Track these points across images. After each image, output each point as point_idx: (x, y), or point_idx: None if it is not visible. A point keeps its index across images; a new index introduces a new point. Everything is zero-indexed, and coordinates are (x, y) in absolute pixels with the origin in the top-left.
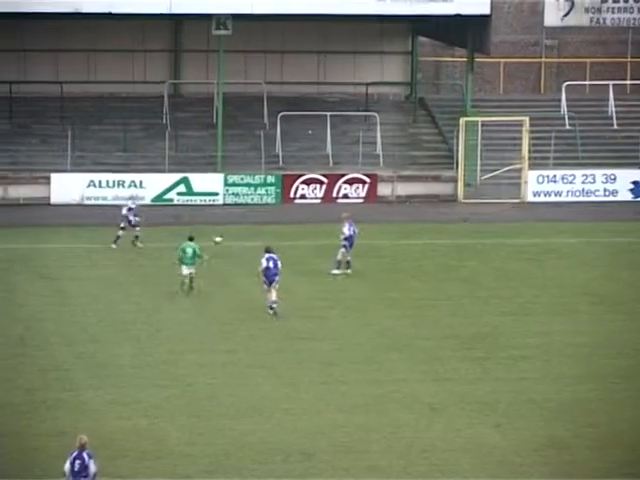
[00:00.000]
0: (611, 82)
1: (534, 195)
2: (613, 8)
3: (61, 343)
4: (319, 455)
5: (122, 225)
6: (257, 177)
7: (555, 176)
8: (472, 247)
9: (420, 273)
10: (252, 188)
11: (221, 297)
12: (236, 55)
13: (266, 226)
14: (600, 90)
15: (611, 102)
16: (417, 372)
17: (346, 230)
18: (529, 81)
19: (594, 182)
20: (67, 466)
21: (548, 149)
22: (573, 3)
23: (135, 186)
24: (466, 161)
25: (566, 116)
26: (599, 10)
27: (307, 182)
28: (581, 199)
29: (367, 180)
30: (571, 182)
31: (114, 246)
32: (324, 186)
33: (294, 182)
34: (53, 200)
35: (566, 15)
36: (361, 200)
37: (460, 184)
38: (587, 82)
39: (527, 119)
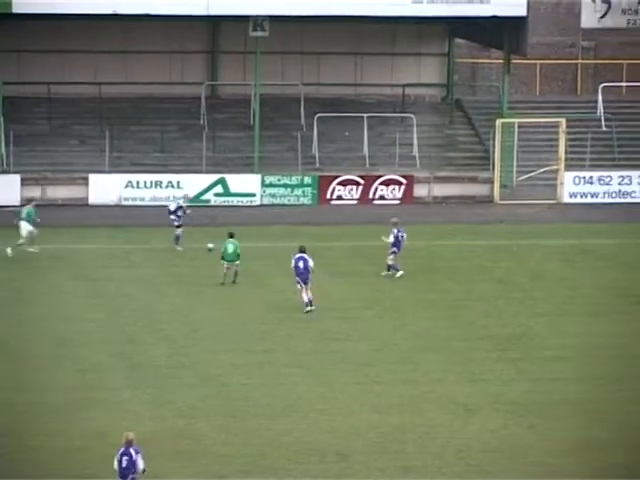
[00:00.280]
0: None
1: (570, 196)
2: None
3: (99, 343)
4: (354, 455)
5: (176, 224)
6: (294, 178)
7: (591, 177)
8: (507, 248)
9: (456, 274)
10: (289, 189)
11: (257, 297)
12: (273, 56)
13: (302, 227)
14: (637, 91)
15: None
16: (452, 373)
17: (391, 237)
18: (565, 82)
19: (630, 183)
20: (116, 463)
21: (584, 150)
22: (610, 4)
23: (172, 187)
24: (502, 162)
25: (602, 117)
26: (636, 12)
27: (343, 183)
28: (617, 200)
29: (403, 181)
30: (607, 183)
31: (180, 248)
32: (360, 187)
33: (331, 183)
34: (91, 201)
35: (603, 16)
36: (397, 201)
37: (496, 185)
38: (624, 83)
39: (563, 120)
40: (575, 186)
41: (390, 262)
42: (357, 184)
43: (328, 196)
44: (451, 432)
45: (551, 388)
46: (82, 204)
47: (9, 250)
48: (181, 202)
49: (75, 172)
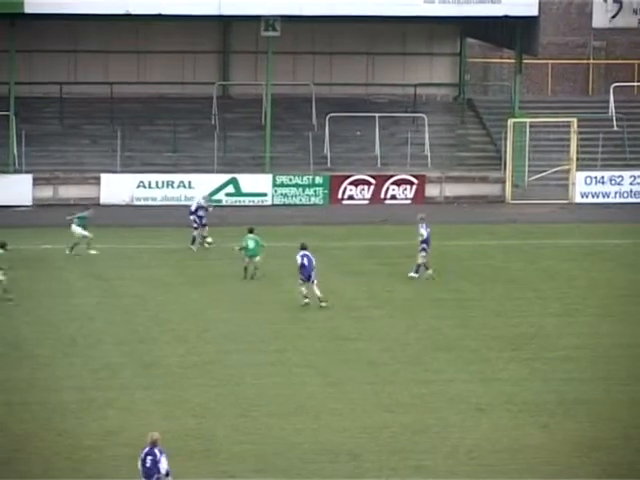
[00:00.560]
0: None
1: (582, 196)
2: None
3: (111, 343)
4: (366, 455)
5: (195, 225)
6: (305, 178)
7: (603, 177)
8: (519, 248)
9: (467, 274)
10: (300, 189)
11: (268, 297)
12: (285, 56)
13: (314, 227)
14: None
15: None
16: (464, 372)
17: (423, 231)
18: (577, 82)
19: None
20: (139, 463)
21: (596, 150)
22: (621, 4)
23: (184, 187)
24: (514, 162)
25: (614, 117)
26: None
27: (355, 183)
28: (629, 200)
29: (415, 181)
30: (619, 183)
31: (194, 248)
32: (372, 187)
33: (342, 183)
34: (103, 200)
35: (614, 16)
36: (409, 201)
37: (508, 185)
38: (635, 83)
39: (575, 120)
40: (586, 186)
41: (420, 260)
42: (368, 184)
43: (339, 196)
44: (463, 432)
45: (563, 388)
46: (94, 204)
47: (67, 251)
48: (202, 202)
49: (87, 172)
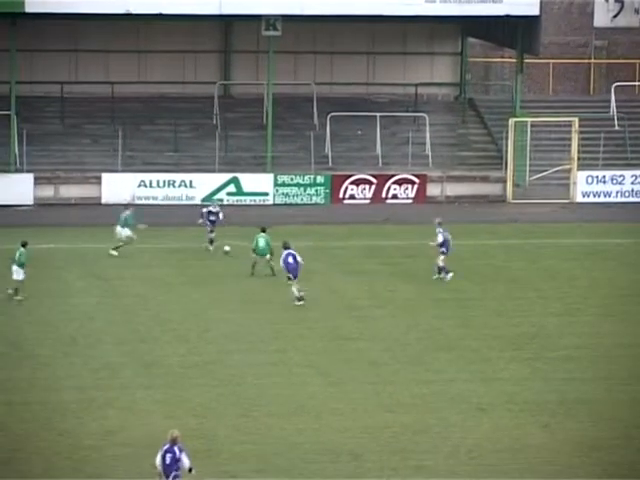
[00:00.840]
0: None
1: (583, 196)
2: None
3: (112, 342)
4: (367, 455)
5: (209, 229)
6: (307, 177)
7: (604, 177)
8: (520, 247)
9: (468, 273)
10: (302, 188)
11: (270, 297)
12: (286, 56)
13: (315, 226)
14: None
15: None
16: (465, 372)
17: (440, 236)
18: (578, 82)
19: None
20: (158, 459)
21: (597, 150)
22: (623, 4)
23: (185, 186)
24: (515, 162)
25: (615, 117)
26: None
27: (356, 182)
28: (630, 200)
29: (416, 180)
30: (620, 183)
31: (211, 248)
32: (373, 186)
33: (343, 182)
34: (104, 200)
35: (616, 16)
36: (410, 200)
37: (509, 184)
38: (637, 83)
39: (576, 120)
40: (588, 185)
41: (440, 264)
42: (370, 183)
43: (341, 195)
44: (464, 431)
45: (564, 388)
46: (95, 203)
47: (114, 252)
48: (212, 208)
49: (88, 171)
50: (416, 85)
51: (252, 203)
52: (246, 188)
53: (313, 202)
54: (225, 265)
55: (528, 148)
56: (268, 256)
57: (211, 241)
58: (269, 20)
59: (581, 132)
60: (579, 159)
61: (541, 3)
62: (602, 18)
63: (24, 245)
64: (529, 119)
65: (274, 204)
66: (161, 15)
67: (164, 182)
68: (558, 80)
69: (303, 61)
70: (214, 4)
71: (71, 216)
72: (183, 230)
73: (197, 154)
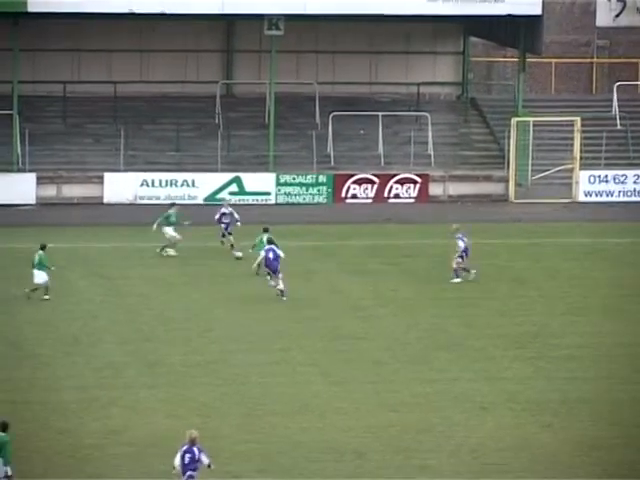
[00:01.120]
0: None
1: (585, 195)
2: None
3: (114, 342)
4: (370, 454)
5: (225, 232)
6: (309, 177)
7: (607, 176)
8: (523, 247)
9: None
10: (304, 188)
11: (272, 296)
12: (288, 55)
13: (317, 225)
14: None
15: None
16: (468, 371)
17: (461, 243)
18: (580, 81)
19: None
20: (177, 460)
21: (599, 149)
22: (625, 3)
23: (187, 185)
24: (517, 161)
25: (617, 116)
26: None
27: (358, 182)
28: (633, 199)
29: (418, 180)
30: (622, 182)
31: (239, 254)
32: (375, 186)
33: (346, 182)
34: (106, 199)
35: (618, 15)
36: (412, 200)
37: (511, 184)
38: (639, 82)
39: (578, 119)
40: (590, 185)
41: (454, 265)
42: (372, 183)
43: (343, 195)
44: (467, 430)
45: (566, 387)
46: (97, 203)
47: (167, 252)
48: (224, 209)
49: (90, 171)
50: (418, 84)
51: (254, 202)
52: (248, 187)
53: (315, 201)
54: (228, 265)
55: (530, 147)
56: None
57: (232, 245)
58: (271, 19)
59: (583, 131)
60: (581, 158)
61: (543, 2)
62: (604, 17)
63: (43, 248)
64: (531, 118)
65: (276, 204)
66: (164, 14)
67: (166, 181)
68: (560, 79)
69: (305, 60)
70: (217, 3)
71: (73, 215)
72: (186, 230)
73: (199, 153)
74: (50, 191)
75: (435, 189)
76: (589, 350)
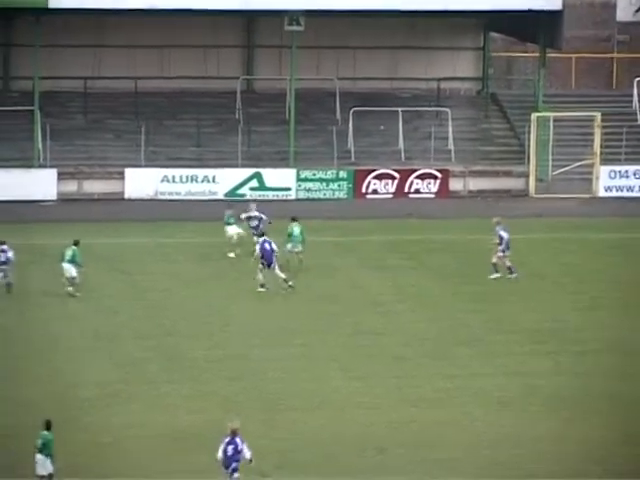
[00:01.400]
0: None
1: (605, 190)
2: None
3: (136, 337)
4: (392, 449)
5: (254, 232)
6: (329, 172)
7: (627, 171)
8: (543, 242)
9: (491, 268)
10: (324, 183)
11: (294, 291)
12: (309, 51)
13: (338, 221)
14: None
15: None
16: (488, 366)
17: (503, 234)
18: (600, 76)
19: None
20: (220, 453)
21: (620, 144)
22: None
23: (208, 181)
24: (537, 156)
25: (638, 111)
26: None
27: (379, 177)
28: None
29: (439, 175)
30: None
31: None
32: (396, 181)
33: (366, 177)
34: (127, 195)
35: (638, 10)
36: (433, 195)
37: (531, 179)
38: None
39: (599, 114)
40: (610, 180)
41: (508, 264)
42: (392, 178)
43: (363, 190)
44: (487, 425)
45: (586, 382)
46: (118, 198)
47: (232, 254)
48: (251, 213)
49: (111, 166)
50: (439, 80)
51: (275, 198)
52: (269, 183)
53: (336, 197)
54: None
55: (550, 143)
56: (300, 247)
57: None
58: (292, 15)
59: (603, 127)
60: (601, 154)
61: None
62: (624, 12)
63: (76, 244)
64: (551, 114)
65: (297, 199)
66: (185, 10)
67: (187, 177)
68: (580, 74)
69: (326, 56)
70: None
71: (94, 211)
72: (206, 225)
73: (220, 149)
74: (71, 187)
75: (455, 184)
76: (609, 345)
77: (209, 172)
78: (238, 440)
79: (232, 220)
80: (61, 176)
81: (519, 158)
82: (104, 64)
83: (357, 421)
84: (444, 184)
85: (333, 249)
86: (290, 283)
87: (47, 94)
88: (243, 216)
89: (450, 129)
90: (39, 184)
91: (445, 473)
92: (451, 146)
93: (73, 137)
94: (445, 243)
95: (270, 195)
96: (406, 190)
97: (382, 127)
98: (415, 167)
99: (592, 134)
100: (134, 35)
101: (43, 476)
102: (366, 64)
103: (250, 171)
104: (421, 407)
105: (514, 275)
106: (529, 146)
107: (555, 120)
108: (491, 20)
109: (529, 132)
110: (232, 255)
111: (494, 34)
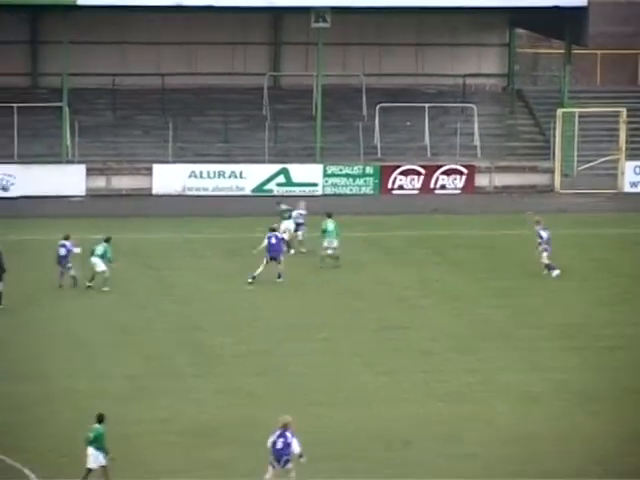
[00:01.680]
0: None
1: (631, 186)
2: None
3: (164, 331)
4: (418, 443)
5: (299, 232)
6: (356, 168)
7: None
8: (569, 237)
9: (517, 263)
10: (351, 179)
11: (318, 286)
12: (335, 47)
13: (364, 216)
14: None
15: None
16: (514, 361)
17: (544, 233)
18: (626, 72)
19: None
20: (269, 444)
21: None
22: None
23: (235, 177)
24: (563, 152)
25: None
26: None
27: (405, 173)
28: None
29: (465, 171)
30: None
31: (303, 249)
32: (422, 177)
33: (392, 173)
34: (155, 191)
35: None
36: (459, 191)
37: (557, 175)
38: None
39: (624, 110)
40: (636, 176)
41: (546, 261)
42: (418, 174)
43: (389, 186)
44: (513, 420)
45: (614, 377)
46: (146, 194)
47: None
48: (302, 210)
49: (139, 162)
50: (464, 76)
51: (301, 194)
52: (295, 179)
53: (362, 192)
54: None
55: (576, 138)
56: (335, 243)
57: (300, 242)
58: (318, 12)
59: (629, 122)
60: (627, 149)
61: None
62: None
63: (107, 240)
64: (577, 110)
65: (323, 195)
66: (212, 7)
67: (214, 173)
68: (606, 70)
69: (352, 52)
70: None
71: (122, 207)
72: (233, 221)
73: (247, 145)
74: (99, 182)
75: (481, 180)
76: (635, 340)
77: (236, 168)
78: (288, 434)
79: (287, 215)
80: (90, 172)
81: (544, 154)
82: (131, 61)
83: (383, 415)
84: (470, 180)
85: (359, 244)
86: (280, 279)
87: (75, 91)
88: (294, 213)
89: (476, 125)
90: (68, 180)
91: (471, 467)
92: (477, 142)
93: (101, 133)
94: (470, 239)
95: (297, 191)
96: (432, 186)
97: (408, 123)
98: (441, 163)
99: (617, 130)
100: (161, 32)
101: (91, 469)
102: (392, 60)
103: (277, 167)
104: (447, 402)
105: (556, 272)
106: (554, 142)
107: (580, 116)
108: (516, 16)
109: (554, 128)
110: (292, 252)
111: (519, 30)
